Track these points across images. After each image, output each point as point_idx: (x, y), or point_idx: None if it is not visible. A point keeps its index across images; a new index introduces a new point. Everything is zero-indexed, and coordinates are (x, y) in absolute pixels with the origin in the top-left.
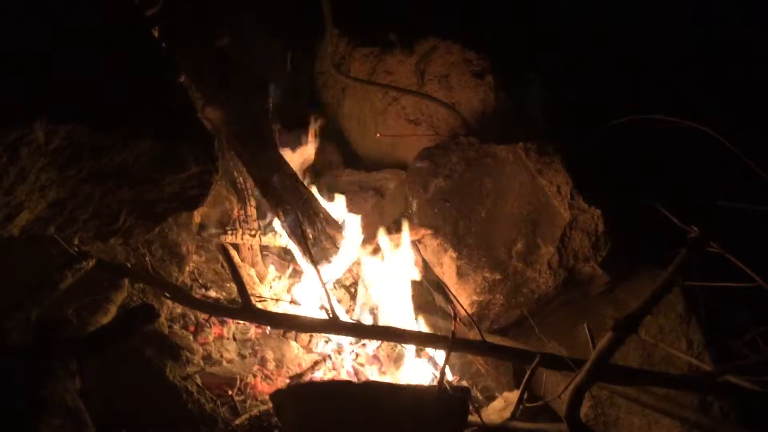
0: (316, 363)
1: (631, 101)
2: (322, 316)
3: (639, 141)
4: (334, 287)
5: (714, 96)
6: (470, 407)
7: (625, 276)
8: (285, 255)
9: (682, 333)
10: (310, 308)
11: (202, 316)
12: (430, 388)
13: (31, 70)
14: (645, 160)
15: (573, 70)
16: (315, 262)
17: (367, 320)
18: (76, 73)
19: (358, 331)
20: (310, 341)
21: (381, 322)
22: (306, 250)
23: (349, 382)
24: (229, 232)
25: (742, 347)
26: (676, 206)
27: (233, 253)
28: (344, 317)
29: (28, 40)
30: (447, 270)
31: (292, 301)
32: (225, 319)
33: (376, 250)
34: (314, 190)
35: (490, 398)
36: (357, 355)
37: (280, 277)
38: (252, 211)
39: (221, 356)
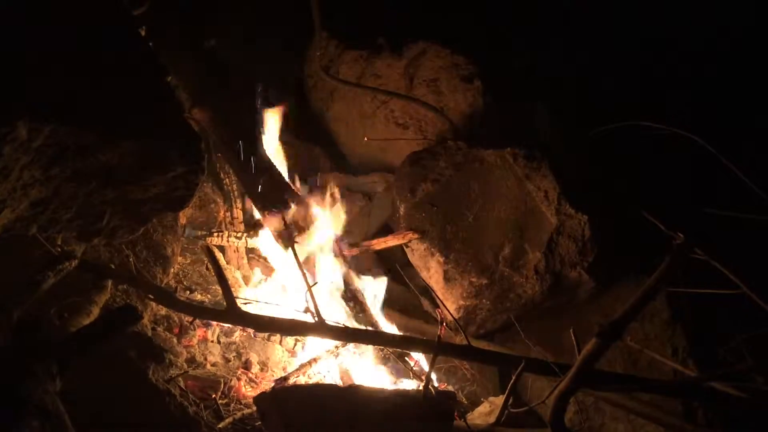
0: (300, 366)
1: (625, 107)
2: (308, 319)
3: (626, 147)
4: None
5: (708, 102)
6: (455, 412)
7: (611, 282)
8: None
9: (668, 339)
10: (296, 311)
11: (187, 318)
12: (415, 392)
13: (15, 68)
14: (632, 166)
15: (567, 75)
16: (301, 265)
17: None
18: (61, 71)
19: (344, 334)
20: (295, 345)
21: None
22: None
23: (333, 386)
24: (215, 234)
25: (726, 354)
26: (662, 212)
27: (219, 255)
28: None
29: (11, 40)
30: (434, 274)
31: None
32: (209, 321)
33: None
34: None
35: (476, 403)
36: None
37: (265, 280)
38: (238, 213)
39: (205, 359)
